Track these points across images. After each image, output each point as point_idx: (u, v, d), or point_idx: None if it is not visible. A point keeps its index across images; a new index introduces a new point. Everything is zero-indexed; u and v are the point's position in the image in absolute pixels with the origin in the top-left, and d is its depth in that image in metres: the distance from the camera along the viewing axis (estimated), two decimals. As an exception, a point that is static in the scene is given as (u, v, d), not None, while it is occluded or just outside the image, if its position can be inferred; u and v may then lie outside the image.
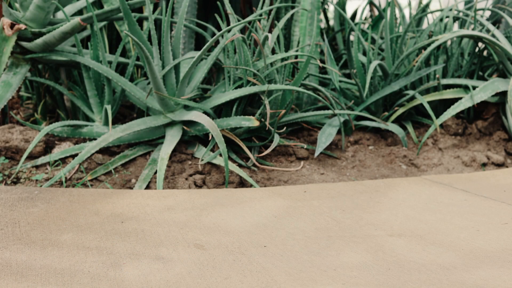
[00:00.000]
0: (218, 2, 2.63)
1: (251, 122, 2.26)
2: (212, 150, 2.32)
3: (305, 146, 2.48)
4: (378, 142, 2.67)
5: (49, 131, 2.32)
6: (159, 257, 1.45)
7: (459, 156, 2.56)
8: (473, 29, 2.88)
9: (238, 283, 1.32)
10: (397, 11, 3.14)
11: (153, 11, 2.94)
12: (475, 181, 2.27)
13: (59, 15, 2.67)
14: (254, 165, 2.34)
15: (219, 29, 3.08)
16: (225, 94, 2.36)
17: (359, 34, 2.80)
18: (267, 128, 2.33)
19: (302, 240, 1.60)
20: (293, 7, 2.87)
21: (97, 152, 2.32)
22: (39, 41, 2.38)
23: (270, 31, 2.94)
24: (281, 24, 2.56)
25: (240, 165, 2.32)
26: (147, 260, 1.44)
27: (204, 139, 2.41)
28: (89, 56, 2.49)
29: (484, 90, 2.64)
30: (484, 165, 2.53)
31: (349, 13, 4.36)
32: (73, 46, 2.61)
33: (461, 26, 3.08)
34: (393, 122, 2.76)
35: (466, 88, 2.73)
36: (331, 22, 4.08)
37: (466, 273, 1.39)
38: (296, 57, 2.67)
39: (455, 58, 2.82)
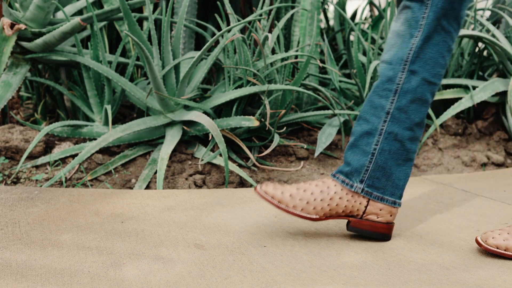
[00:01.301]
0: (218, 2, 2.63)
1: (251, 122, 2.27)
2: (212, 150, 2.32)
3: (305, 146, 2.48)
4: (378, 142, 2.67)
5: (49, 131, 2.32)
6: (159, 257, 1.45)
7: (459, 156, 2.56)
8: (473, 29, 2.88)
9: (238, 283, 1.32)
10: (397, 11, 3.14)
11: (153, 11, 2.94)
12: (475, 181, 2.27)
13: (59, 15, 2.67)
14: (254, 165, 2.34)
15: (219, 29, 3.08)
16: (225, 94, 2.36)
17: (359, 34, 2.80)
18: (267, 128, 2.33)
19: (302, 240, 1.60)
20: (293, 7, 2.87)
21: (97, 152, 2.32)
22: (39, 41, 2.38)
23: (270, 31, 2.94)
24: (281, 24, 2.56)
25: (240, 165, 2.32)
26: (147, 260, 1.44)
27: (204, 139, 2.41)
28: (89, 56, 2.49)
29: (484, 90, 2.64)
30: (484, 165, 2.53)
31: (349, 13, 4.36)
32: (73, 46, 2.61)
33: (461, 26, 3.07)
34: (393, 122, 2.76)
35: (466, 88, 2.73)
36: (331, 22, 4.08)
37: (466, 273, 1.39)
38: (296, 57, 2.67)
39: (455, 58, 2.82)
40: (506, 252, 1.46)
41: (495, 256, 1.49)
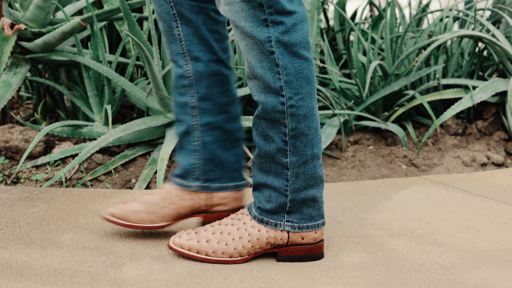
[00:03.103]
0: (218, 2, 2.63)
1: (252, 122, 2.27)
2: (212, 150, 2.32)
3: (305, 146, 2.47)
4: (378, 142, 2.67)
5: (49, 131, 2.32)
6: (159, 257, 1.45)
7: (459, 156, 2.57)
8: (473, 29, 2.88)
9: (238, 283, 1.32)
10: (397, 11, 3.14)
11: (153, 11, 2.94)
12: (475, 181, 2.27)
13: (59, 15, 2.67)
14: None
15: (219, 29, 3.08)
16: (225, 94, 2.36)
17: (359, 34, 2.80)
18: (267, 128, 2.33)
19: (302, 240, 1.60)
20: (293, 7, 2.86)
21: (97, 152, 2.32)
22: (39, 41, 2.38)
23: (270, 31, 2.94)
24: (281, 24, 2.56)
25: (240, 165, 2.32)
26: (147, 260, 1.44)
27: (204, 139, 2.41)
28: (89, 56, 2.49)
29: (484, 90, 2.64)
30: (484, 165, 2.53)
31: (349, 13, 4.37)
32: (73, 46, 2.61)
33: (461, 26, 3.08)
34: (393, 122, 2.76)
35: (466, 88, 2.73)
36: (331, 22, 4.08)
37: (466, 273, 1.39)
38: (296, 57, 2.66)
39: (455, 58, 2.82)
40: (188, 252, 1.43)
41: (495, 256, 1.49)
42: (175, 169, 1.57)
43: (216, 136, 1.53)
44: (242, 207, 1.58)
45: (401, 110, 2.72)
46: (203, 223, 1.56)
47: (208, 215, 1.55)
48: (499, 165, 2.56)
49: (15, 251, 1.47)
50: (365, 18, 3.87)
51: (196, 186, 1.53)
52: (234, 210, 1.57)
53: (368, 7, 3.99)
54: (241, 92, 2.32)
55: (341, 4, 3.38)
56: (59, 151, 2.28)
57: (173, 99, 1.55)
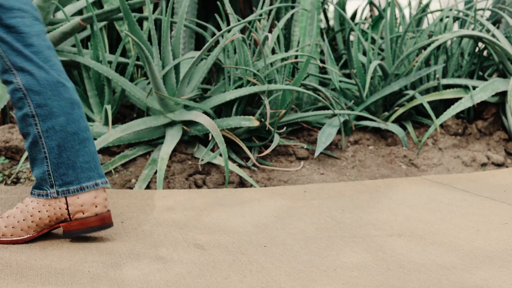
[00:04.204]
0: (218, 2, 2.63)
1: (251, 122, 2.27)
2: (212, 150, 2.32)
3: (305, 146, 2.48)
4: (378, 142, 2.67)
5: (49, 131, 2.31)
6: (159, 257, 1.45)
7: (459, 156, 2.56)
8: (473, 29, 2.88)
9: (238, 283, 1.32)
10: (397, 11, 3.14)
11: (153, 11, 2.94)
12: (475, 181, 2.27)
13: (59, 15, 2.67)
14: (254, 165, 2.34)
15: (219, 29, 3.08)
16: (225, 94, 2.36)
17: (359, 34, 2.80)
18: (267, 128, 2.33)
19: (302, 240, 1.60)
20: (293, 7, 2.87)
21: (97, 152, 2.32)
22: (39, 41, 2.38)
23: (270, 31, 2.94)
24: (281, 24, 2.56)
25: (240, 165, 2.32)
26: (147, 260, 1.44)
27: (204, 139, 2.41)
28: (89, 56, 2.49)
29: (484, 90, 2.64)
30: (484, 165, 2.53)
31: (349, 13, 4.36)
32: (73, 46, 2.61)
33: (461, 26, 3.08)
34: (393, 122, 2.76)
35: (466, 88, 2.73)
36: (331, 22, 4.08)
37: (466, 273, 1.39)
38: (296, 57, 2.67)
39: (455, 58, 2.82)
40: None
41: (495, 256, 1.49)
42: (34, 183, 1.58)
43: (61, 139, 1.53)
44: (106, 212, 1.55)
45: (401, 110, 2.71)
46: (65, 233, 1.54)
47: (68, 224, 1.53)
48: (499, 165, 2.56)
49: (15, 251, 1.47)
50: (365, 18, 3.86)
51: (53, 193, 1.53)
52: (98, 215, 1.54)
53: (368, 7, 3.98)
54: (241, 92, 2.32)
55: (341, 4, 3.38)
56: (59, 151, 2.28)
57: (15, 115, 1.56)
